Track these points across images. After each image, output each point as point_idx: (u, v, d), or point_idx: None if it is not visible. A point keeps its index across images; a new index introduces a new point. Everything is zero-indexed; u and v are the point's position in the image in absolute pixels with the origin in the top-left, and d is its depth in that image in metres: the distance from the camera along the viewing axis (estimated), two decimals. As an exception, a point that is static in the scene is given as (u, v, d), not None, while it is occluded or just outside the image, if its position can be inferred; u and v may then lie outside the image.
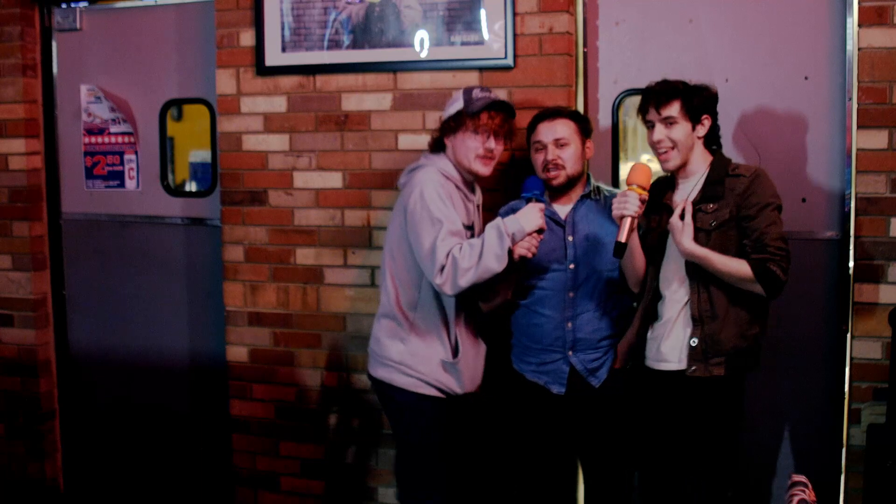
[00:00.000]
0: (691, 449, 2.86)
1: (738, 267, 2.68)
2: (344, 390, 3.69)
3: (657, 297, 2.87)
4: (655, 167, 2.89)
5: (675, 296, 2.82)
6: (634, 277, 2.90)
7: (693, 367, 2.76)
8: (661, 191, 2.87)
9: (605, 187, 3.12)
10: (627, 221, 2.70)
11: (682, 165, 2.81)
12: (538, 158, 3.00)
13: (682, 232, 2.71)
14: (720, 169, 2.78)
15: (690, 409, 2.81)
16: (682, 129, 2.76)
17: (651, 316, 2.88)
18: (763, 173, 2.75)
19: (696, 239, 2.71)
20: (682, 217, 2.73)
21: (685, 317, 2.80)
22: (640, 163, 2.81)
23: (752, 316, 2.78)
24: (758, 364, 2.83)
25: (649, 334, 2.88)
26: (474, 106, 2.87)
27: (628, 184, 2.74)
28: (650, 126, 2.80)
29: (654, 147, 2.81)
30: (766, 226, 2.67)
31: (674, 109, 2.75)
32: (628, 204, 2.70)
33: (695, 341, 2.76)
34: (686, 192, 2.81)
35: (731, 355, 2.76)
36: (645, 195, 2.72)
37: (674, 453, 2.92)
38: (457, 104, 2.92)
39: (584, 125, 3.03)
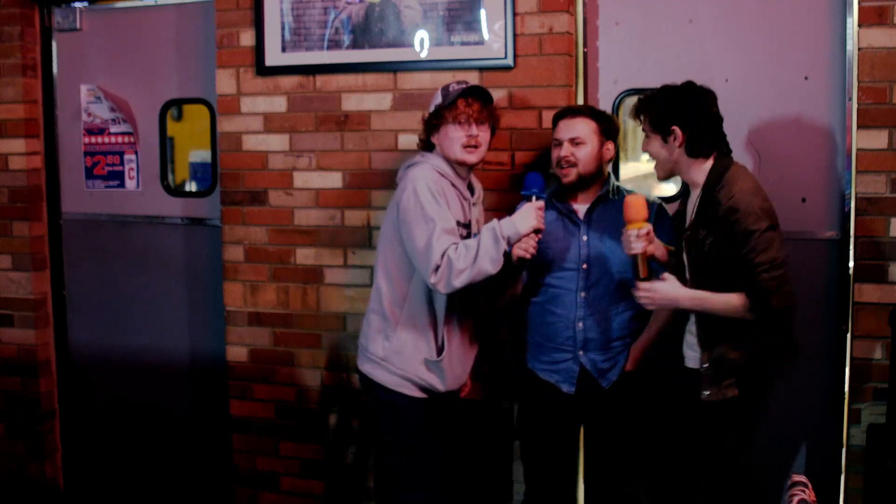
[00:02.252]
0: (698, 458, 2.85)
1: (727, 301, 2.65)
2: (344, 390, 3.68)
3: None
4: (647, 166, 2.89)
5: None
6: None
7: (707, 392, 2.72)
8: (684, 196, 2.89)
9: (626, 188, 3.07)
10: (640, 258, 2.71)
11: (672, 175, 2.79)
12: (553, 155, 3.00)
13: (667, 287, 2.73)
14: (712, 185, 2.70)
15: (705, 424, 2.78)
16: (653, 143, 2.76)
17: (682, 319, 2.88)
18: (739, 200, 2.61)
19: (695, 265, 2.71)
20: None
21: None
22: (632, 196, 2.77)
23: (760, 331, 2.69)
24: (775, 376, 2.79)
25: (685, 337, 2.88)
26: (450, 97, 2.88)
27: (627, 221, 2.73)
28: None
29: None
30: (754, 256, 2.59)
31: (643, 123, 2.76)
32: (632, 244, 2.72)
33: (705, 366, 2.73)
34: (692, 205, 2.78)
35: (742, 374, 2.69)
36: (646, 227, 2.71)
37: (683, 456, 2.92)
38: (435, 101, 2.94)
39: (606, 125, 2.99)
